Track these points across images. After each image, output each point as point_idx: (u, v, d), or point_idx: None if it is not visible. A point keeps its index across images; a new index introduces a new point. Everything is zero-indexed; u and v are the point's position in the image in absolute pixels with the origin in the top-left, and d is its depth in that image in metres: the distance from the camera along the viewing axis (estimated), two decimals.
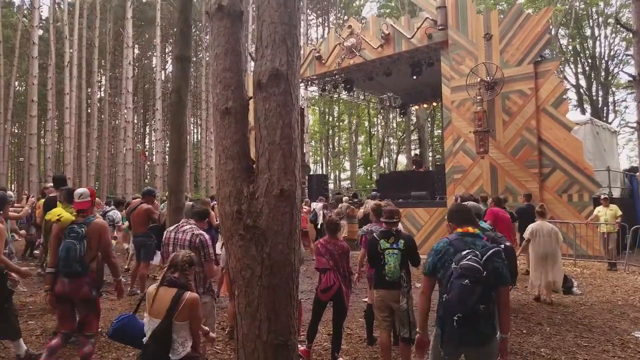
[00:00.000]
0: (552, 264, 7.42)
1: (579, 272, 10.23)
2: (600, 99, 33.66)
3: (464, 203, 4.77)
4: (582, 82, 34.43)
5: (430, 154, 35.12)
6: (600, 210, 11.08)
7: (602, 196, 11.38)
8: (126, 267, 10.37)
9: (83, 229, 4.36)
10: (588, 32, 33.93)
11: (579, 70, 34.76)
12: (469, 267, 2.93)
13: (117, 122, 38.19)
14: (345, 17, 37.88)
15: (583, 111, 31.64)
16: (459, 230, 3.26)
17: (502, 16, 13.17)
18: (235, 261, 2.94)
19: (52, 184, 7.87)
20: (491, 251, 3.06)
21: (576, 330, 6.10)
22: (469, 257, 2.98)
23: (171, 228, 4.60)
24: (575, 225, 11.25)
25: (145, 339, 3.17)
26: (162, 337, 3.08)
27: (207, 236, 4.46)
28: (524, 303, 7.57)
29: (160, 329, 3.08)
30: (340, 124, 45.99)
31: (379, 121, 44.75)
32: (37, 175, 26.09)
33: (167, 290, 3.17)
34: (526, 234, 7.67)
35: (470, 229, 3.23)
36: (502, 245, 3.59)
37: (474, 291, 2.91)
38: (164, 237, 4.58)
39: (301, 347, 4.72)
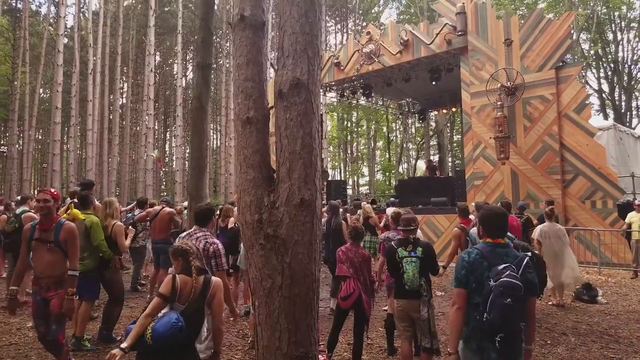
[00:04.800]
0: (561, 265, 7.53)
1: (603, 280, 10.01)
2: (623, 103, 33.12)
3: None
4: (605, 87, 33.97)
5: (450, 159, 34.79)
6: (633, 216, 10.68)
7: (636, 201, 11.14)
8: (144, 274, 10.30)
9: None
10: (610, 36, 33.50)
11: (601, 75, 34.30)
12: (511, 285, 2.75)
13: (138, 129, 38.75)
14: (364, 24, 37.99)
15: (606, 116, 31.19)
16: (489, 240, 3.05)
17: (522, 21, 13.11)
18: (256, 271, 2.91)
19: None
20: (524, 262, 2.89)
21: (602, 341, 5.96)
22: (507, 272, 2.80)
23: (183, 235, 4.51)
24: (600, 232, 11.05)
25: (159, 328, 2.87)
26: (196, 318, 3.01)
27: (220, 245, 4.32)
28: (548, 312, 7.44)
29: (194, 310, 3.00)
30: (359, 129, 45.90)
31: (397, 126, 44.59)
32: (59, 181, 26.36)
33: (191, 277, 3.11)
34: (535, 236, 7.72)
35: (501, 240, 3.03)
36: (529, 254, 3.36)
37: (517, 310, 2.77)
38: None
39: (321, 357, 4.68)
